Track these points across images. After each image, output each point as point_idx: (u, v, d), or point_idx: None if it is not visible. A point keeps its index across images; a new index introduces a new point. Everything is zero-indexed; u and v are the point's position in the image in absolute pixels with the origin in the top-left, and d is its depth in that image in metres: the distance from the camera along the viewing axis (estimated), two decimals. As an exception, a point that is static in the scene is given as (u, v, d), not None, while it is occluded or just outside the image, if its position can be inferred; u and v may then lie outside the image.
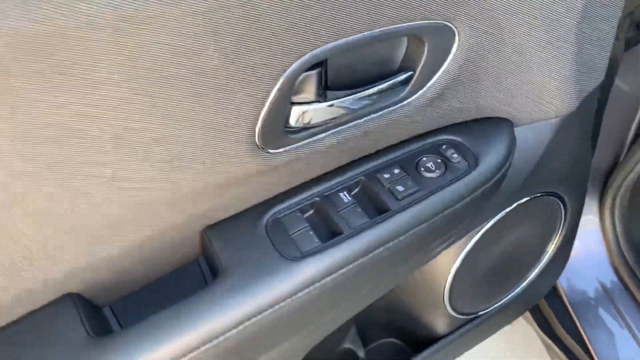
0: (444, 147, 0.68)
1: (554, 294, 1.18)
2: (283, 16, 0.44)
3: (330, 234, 0.60)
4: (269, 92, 0.49)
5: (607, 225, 1.13)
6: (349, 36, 0.50)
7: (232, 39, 0.43)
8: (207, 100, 0.46)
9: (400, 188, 0.63)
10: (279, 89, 0.49)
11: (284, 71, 0.49)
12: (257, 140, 0.52)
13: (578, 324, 1.12)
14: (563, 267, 1.05)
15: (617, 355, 1.07)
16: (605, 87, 0.88)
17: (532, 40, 0.60)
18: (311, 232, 0.60)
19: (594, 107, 0.76)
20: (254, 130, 0.51)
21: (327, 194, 0.64)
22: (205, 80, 0.45)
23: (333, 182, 0.64)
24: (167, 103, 0.45)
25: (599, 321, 1.12)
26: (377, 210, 0.63)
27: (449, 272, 0.83)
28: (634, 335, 1.08)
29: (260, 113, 0.50)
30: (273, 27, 0.45)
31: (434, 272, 0.84)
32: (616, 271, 1.12)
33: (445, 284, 0.84)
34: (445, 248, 0.77)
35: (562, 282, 1.17)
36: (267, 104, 0.50)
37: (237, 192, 0.58)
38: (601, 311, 1.13)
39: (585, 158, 0.85)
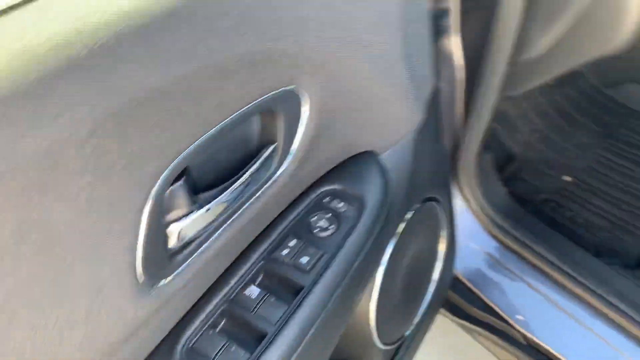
0: (327, 199, 0.66)
1: (454, 281, 1.23)
2: (133, 141, 0.39)
3: (255, 340, 0.55)
4: (137, 226, 0.42)
5: (472, 203, 1.21)
6: (203, 134, 0.46)
7: (78, 189, 0.37)
8: (72, 261, 0.39)
9: (304, 260, 0.60)
10: (149, 217, 0.43)
11: (148, 197, 0.43)
12: (141, 281, 0.45)
13: (481, 295, 1.19)
14: (454, 257, 1.11)
15: (516, 303, 1.15)
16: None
17: (369, 81, 0.61)
18: (233, 348, 0.53)
19: (433, 107, 0.80)
20: (134, 273, 0.44)
21: (232, 296, 0.58)
22: (59, 244, 0.37)
23: (234, 280, 0.59)
24: (25, 270, 0.36)
25: (496, 285, 1.19)
26: (291, 291, 0.59)
27: (370, 311, 0.81)
28: (527, 284, 1.16)
29: (135, 252, 0.43)
30: (124, 157, 0.39)
31: (356, 317, 0.82)
32: (496, 239, 1.21)
33: (370, 323, 0.82)
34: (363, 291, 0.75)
35: (457, 268, 1.22)
36: (141, 238, 0.43)
37: (139, 339, 0.50)
38: (495, 275, 1.21)
39: (442, 154, 0.90)
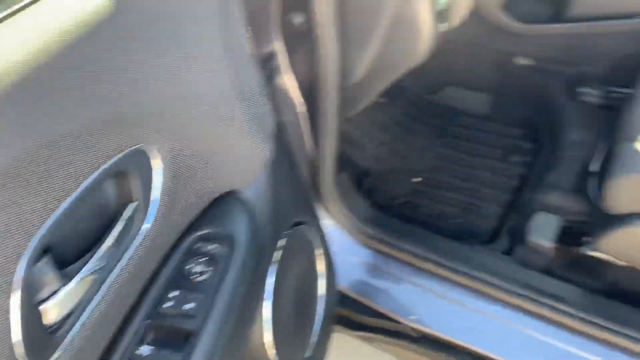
0: (199, 244, 0.69)
1: (342, 297, 1.30)
2: None
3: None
4: (7, 312, 0.43)
5: (341, 221, 1.30)
6: (59, 207, 0.47)
7: None
8: None
9: (188, 307, 0.62)
10: (18, 301, 0.43)
11: (12, 278, 0.43)
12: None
13: (369, 302, 1.27)
14: (335, 273, 1.17)
15: (401, 300, 1.25)
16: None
17: (214, 128, 0.66)
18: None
19: (280, 140, 0.87)
20: (14, 357, 0.44)
21: (125, 360, 0.58)
22: None
23: (124, 343, 0.59)
24: None
25: (380, 289, 1.28)
26: (182, 339, 0.60)
27: (267, 341, 0.84)
28: (406, 280, 1.27)
29: (10, 337, 0.43)
30: None
31: (256, 349, 0.84)
32: (369, 247, 1.30)
33: (270, 353, 0.85)
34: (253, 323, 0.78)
35: (341, 283, 1.30)
36: (14, 323, 0.43)
37: None
38: (377, 281, 1.30)
39: (299, 181, 0.97)
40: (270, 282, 0.83)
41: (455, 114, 1.76)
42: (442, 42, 1.65)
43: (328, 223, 1.30)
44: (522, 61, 1.65)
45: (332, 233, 1.30)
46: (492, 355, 1.18)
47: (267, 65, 1.07)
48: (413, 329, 1.27)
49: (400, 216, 1.48)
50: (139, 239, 0.59)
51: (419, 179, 1.60)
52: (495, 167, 1.58)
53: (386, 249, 1.30)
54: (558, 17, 1.55)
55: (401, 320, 1.27)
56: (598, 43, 1.52)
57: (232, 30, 0.71)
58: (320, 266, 1.03)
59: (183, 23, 0.63)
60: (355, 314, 1.31)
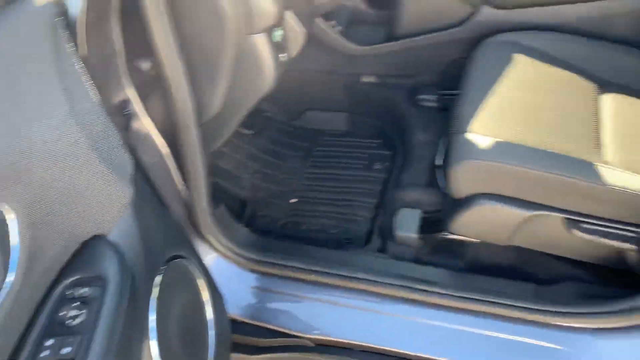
0: (70, 291, 0.70)
1: (237, 324, 1.34)
2: None
3: None
4: None
5: (223, 251, 1.34)
6: None
7: None
8: None
9: (66, 350, 0.64)
10: None
11: None
12: None
13: (264, 324, 1.31)
14: (223, 302, 1.21)
15: (295, 315, 1.30)
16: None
17: (71, 178, 0.69)
18: None
19: (143, 180, 0.91)
20: None
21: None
22: None
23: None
24: None
25: (274, 309, 1.33)
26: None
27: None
28: (296, 295, 1.32)
29: None
30: None
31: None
32: (257, 272, 1.35)
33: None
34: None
35: (234, 312, 1.33)
36: None
37: None
38: (271, 303, 1.35)
39: (170, 217, 1.01)
40: (152, 319, 0.86)
41: (319, 135, 1.88)
42: (299, 72, 1.80)
43: (212, 255, 1.34)
44: (367, 79, 1.82)
45: (217, 264, 1.34)
46: (385, 347, 1.27)
47: (122, 112, 1.10)
48: (311, 340, 1.33)
49: (283, 237, 1.56)
50: (3, 292, 0.60)
51: (296, 200, 1.68)
52: (361, 177, 1.72)
53: (273, 270, 1.36)
54: (390, 36, 1.74)
55: (298, 334, 1.33)
56: (427, 54, 1.73)
57: (73, 84, 0.75)
58: (205, 295, 1.06)
59: (20, 84, 0.66)
60: (252, 338, 1.34)
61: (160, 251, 0.93)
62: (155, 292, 0.88)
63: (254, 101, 1.20)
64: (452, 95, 1.73)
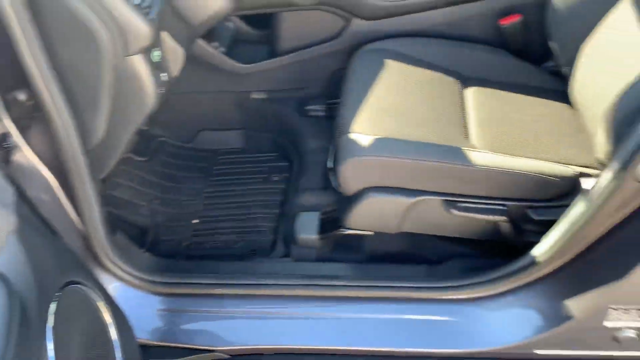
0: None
1: (149, 349, 1.32)
2: None
3: None
4: None
5: (126, 278, 1.32)
6: None
7: None
8: None
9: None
10: None
11: None
12: None
13: (176, 344, 1.31)
14: (129, 327, 1.19)
15: (210, 332, 1.32)
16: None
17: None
18: None
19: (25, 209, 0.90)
20: None
21: None
22: None
23: None
24: None
25: (186, 328, 1.33)
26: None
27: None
28: (210, 311, 1.34)
29: None
30: None
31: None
32: (163, 294, 1.34)
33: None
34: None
35: (144, 336, 1.32)
36: None
37: None
38: (182, 323, 1.35)
39: (59, 243, 0.99)
40: (50, 347, 0.84)
41: (215, 154, 1.91)
42: (189, 94, 1.83)
43: (115, 283, 1.32)
44: (257, 95, 1.88)
45: (121, 291, 1.32)
46: (298, 346, 1.31)
47: (1, 145, 1.08)
48: (224, 352, 1.35)
49: (188, 257, 1.57)
50: None
51: (197, 220, 1.70)
52: (261, 190, 1.76)
53: (178, 290, 1.36)
54: (273, 53, 1.81)
55: (211, 348, 1.34)
56: (310, 67, 1.82)
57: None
58: (107, 317, 1.05)
59: None
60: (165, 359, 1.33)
61: (54, 278, 0.92)
62: (51, 320, 0.87)
63: (139, 122, 1.21)
64: (337, 103, 1.84)
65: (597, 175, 1.28)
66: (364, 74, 1.53)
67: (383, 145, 1.28)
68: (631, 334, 1.13)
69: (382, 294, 1.27)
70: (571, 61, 1.48)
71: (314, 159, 1.67)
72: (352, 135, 1.32)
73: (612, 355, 1.18)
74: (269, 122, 1.90)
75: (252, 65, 1.81)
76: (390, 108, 1.39)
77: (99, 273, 1.27)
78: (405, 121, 1.35)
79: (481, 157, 1.27)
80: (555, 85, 1.58)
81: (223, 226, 1.66)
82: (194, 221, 1.70)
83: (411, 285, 1.27)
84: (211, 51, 1.73)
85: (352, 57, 1.63)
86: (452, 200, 1.28)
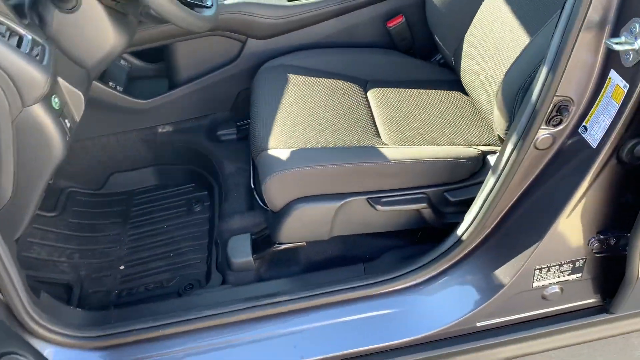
0: None
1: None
2: None
3: None
4: None
5: (59, 339, 1.24)
6: None
7: None
8: None
9: None
10: None
11: None
12: None
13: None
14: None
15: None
16: None
17: None
18: None
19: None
20: None
21: None
22: None
23: None
24: None
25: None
26: None
27: None
28: (154, 356, 1.28)
29: None
30: None
31: None
32: (101, 347, 1.27)
33: None
34: None
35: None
36: None
37: None
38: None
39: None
40: None
41: (131, 196, 1.85)
42: (94, 139, 1.76)
43: (50, 349, 1.24)
44: (164, 129, 1.85)
45: (57, 355, 1.24)
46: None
47: None
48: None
49: (122, 305, 1.50)
50: None
51: (124, 267, 1.63)
52: (185, 223, 1.73)
53: (116, 341, 1.30)
54: (174, 84, 1.80)
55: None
56: (215, 93, 1.82)
57: None
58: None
59: None
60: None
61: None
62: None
63: (50, 175, 1.16)
64: (248, 124, 1.86)
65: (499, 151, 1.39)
66: (269, 91, 1.55)
67: (301, 156, 1.31)
68: (556, 289, 1.23)
69: (324, 300, 1.28)
70: (456, 52, 1.60)
71: (234, 181, 1.67)
72: (269, 152, 1.34)
73: (543, 313, 1.27)
74: (181, 154, 1.87)
75: (153, 99, 1.78)
76: (300, 120, 1.42)
77: (31, 340, 1.19)
78: (317, 130, 1.39)
79: (394, 152, 1.33)
80: (446, 76, 1.69)
81: (153, 266, 1.61)
82: (121, 267, 1.63)
83: (350, 286, 1.29)
84: (109, 91, 1.68)
85: (254, 77, 1.65)
86: (375, 197, 1.33)
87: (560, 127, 1.06)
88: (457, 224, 1.29)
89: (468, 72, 1.53)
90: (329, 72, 1.64)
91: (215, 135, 1.84)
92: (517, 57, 1.21)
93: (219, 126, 1.85)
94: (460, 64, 1.59)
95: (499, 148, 1.39)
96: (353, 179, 1.32)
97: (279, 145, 1.35)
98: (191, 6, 1.24)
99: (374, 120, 1.47)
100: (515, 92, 1.18)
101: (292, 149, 1.33)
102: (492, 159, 1.37)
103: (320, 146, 1.34)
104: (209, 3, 1.30)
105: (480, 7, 1.52)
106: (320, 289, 1.30)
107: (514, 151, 1.09)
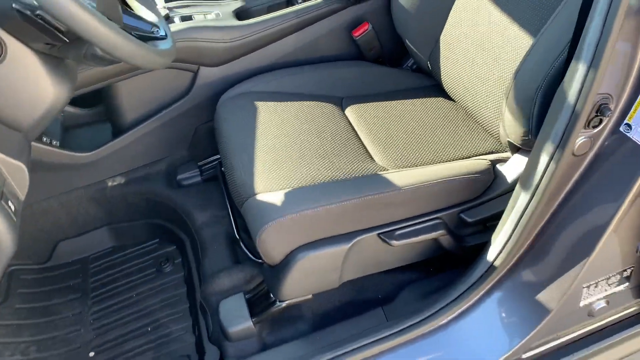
0: None
1: None
2: None
3: None
4: None
5: None
6: None
7: None
8: None
9: None
10: None
11: None
12: None
13: None
14: None
15: None
16: None
17: None
18: None
19: None
20: None
21: None
22: None
23: None
24: None
25: None
26: None
27: None
28: None
29: None
30: None
31: None
32: None
33: None
34: None
35: None
36: None
37: None
38: None
39: None
40: None
41: (86, 264, 1.59)
42: (33, 206, 1.48)
43: None
44: (114, 182, 1.60)
45: None
46: None
47: None
48: None
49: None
50: None
51: (93, 353, 1.37)
52: (157, 287, 1.49)
53: None
54: (119, 130, 1.55)
55: None
56: (170, 132, 1.59)
57: None
58: None
59: None
60: None
61: None
62: None
63: (1, 273, 0.91)
64: (212, 163, 1.64)
65: (507, 158, 1.27)
66: (237, 125, 1.35)
67: (298, 198, 1.12)
68: (603, 303, 1.11)
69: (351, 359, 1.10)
70: (432, 56, 1.46)
71: (211, 233, 1.45)
72: (258, 198, 1.14)
73: (590, 330, 1.15)
74: (139, 208, 1.63)
75: (97, 150, 1.52)
76: (283, 154, 1.23)
77: None
78: (306, 163, 1.20)
79: (400, 177, 1.17)
80: (423, 82, 1.56)
81: (130, 347, 1.37)
82: (91, 355, 1.37)
83: (374, 338, 1.12)
84: (44, 148, 1.41)
85: (216, 111, 1.45)
86: (388, 232, 1.17)
87: (599, 128, 0.94)
88: (477, 247, 1.15)
89: (449, 75, 1.40)
90: (298, 93, 1.47)
91: (176, 181, 1.61)
92: (526, 56, 1.09)
93: (178, 170, 1.63)
94: (438, 68, 1.46)
95: (507, 155, 1.27)
96: (361, 214, 1.14)
97: (268, 188, 1.15)
98: (144, 40, 1.02)
99: (361, 142, 1.30)
100: (533, 95, 1.05)
101: (286, 191, 1.13)
102: (502, 169, 1.24)
103: (316, 182, 1.15)
104: (162, 33, 1.09)
105: (455, 5, 1.40)
106: (340, 347, 1.11)
107: (551, 162, 0.96)
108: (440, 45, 1.44)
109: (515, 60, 1.17)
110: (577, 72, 0.88)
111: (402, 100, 1.47)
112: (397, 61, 1.69)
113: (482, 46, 1.30)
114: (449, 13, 1.42)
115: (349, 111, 1.41)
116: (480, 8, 1.32)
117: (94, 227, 1.62)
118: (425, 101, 1.46)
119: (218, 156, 1.64)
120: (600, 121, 0.93)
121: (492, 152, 1.28)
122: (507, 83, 1.19)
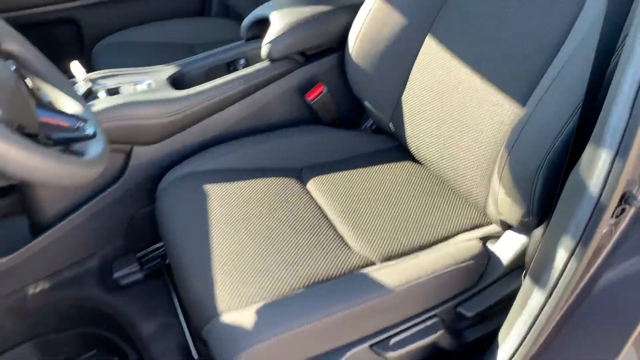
0: None
1: None
2: None
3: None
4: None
5: None
6: None
7: None
8: None
9: None
10: None
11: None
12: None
13: None
14: None
15: None
16: None
17: None
18: None
19: None
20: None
21: None
22: None
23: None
24: None
25: None
26: None
27: None
28: None
29: None
30: None
31: None
32: None
33: None
34: None
35: None
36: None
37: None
38: None
39: None
40: None
41: None
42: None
43: None
44: (36, 288, 1.33)
45: None
46: None
47: None
48: None
49: None
50: None
51: None
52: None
53: None
54: (36, 228, 1.29)
55: None
56: (97, 225, 1.34)
57: None
58: None
59: None
60: None
61: None
62: None
63: None
64: (154, 253, 1.41)
65: (496, 234, 1.14)
66: (185, 216, 1.15)
67: (272, 315, 0.93)
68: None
69: None
70: (394, 116, 1.33)
71: (161, 347, 1.21)
72: (223, 319, 0.94)
73: None
74: (68, 316, 1.37)
75: (15, 254, 1.25)
76: (245, 254, 1.04)
77: None
78: (276, 265, 1.01)
79: (387, 275, 1.00)
80: (385, 144, 1.43)
81: None
82: None
83: None
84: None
85: (156, 199, 1.23)
86: (381, 341, 0.99)
87: (622, 215, 0.82)
88: (472, 342, 1.01)
89: (416, 137, 1.27)
90: (252, 169, 1.28)
91: (113, 280, 1.36)
92: (521, 129, 0.96)
93: (113, 265, 1.38)
94: (403, 129, 1.32)
95: (494, 228, 1.14)
96: (348, 327, 0.96)
97: (235, 304, 0.95)
98: (68, 143, 0.81)
99: (332, 224, 1.14)
100: (533, 174, 0.92)
101: (257, 306, 0.94)
102: (494, 249, 1.11)
103: (293, 290, 0.96)
104: (90, 131, 0.87)
105: (416, 61, 1.28)
106: None
107: (572, 258, 0.83)
108: (403, 105, 1.31)
109: (499, 130, 1.05)
110: (599, 160, 0.76)
111: (367, 168, 1.32)
112: (355, 121, 1.55)
113: (454, 109, 1.17)
114: (411, 69, 1.30)
115: (311, 185, 1.25)
116: (449, 67, 1.20)
117: (15, 343, 1.34)
118: (392, 166, 1.32)
119: (160, 244, 1.42)
120: (624, 210, 0.81)
121: (477, 227, 1.15)
122: (491, 153, 1.06)
